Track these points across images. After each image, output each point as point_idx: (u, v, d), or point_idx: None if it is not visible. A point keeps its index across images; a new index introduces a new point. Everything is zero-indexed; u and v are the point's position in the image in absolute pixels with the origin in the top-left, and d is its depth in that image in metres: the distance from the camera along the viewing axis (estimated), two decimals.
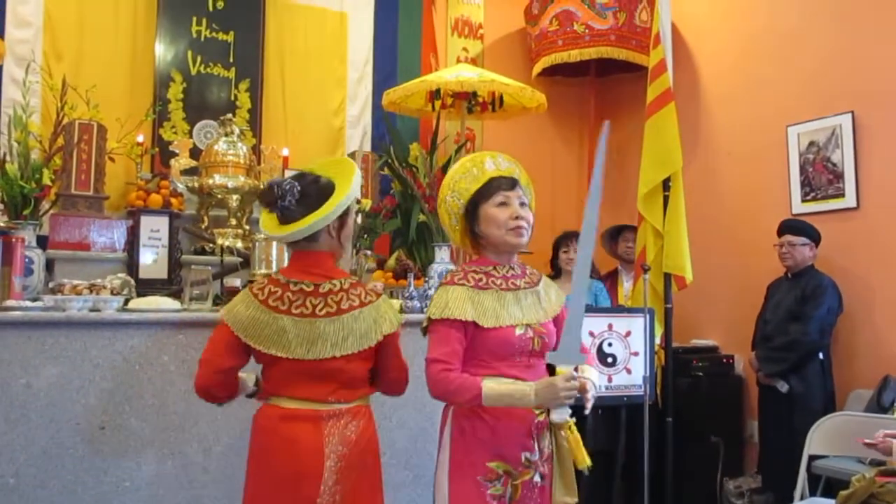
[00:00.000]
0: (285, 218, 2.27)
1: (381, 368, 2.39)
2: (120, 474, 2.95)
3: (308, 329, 2.23)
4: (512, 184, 2.32)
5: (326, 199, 2.27)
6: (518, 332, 2.23)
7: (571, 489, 2.23)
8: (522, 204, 2.30)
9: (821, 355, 4.43)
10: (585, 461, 2.15)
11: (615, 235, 5.36)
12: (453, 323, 2.17)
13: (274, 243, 3.59)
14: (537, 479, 2.24)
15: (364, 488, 2.29)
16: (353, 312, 2.27)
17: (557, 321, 2.38)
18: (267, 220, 2.34)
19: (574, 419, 2.18)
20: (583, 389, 2.20)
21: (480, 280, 2.26)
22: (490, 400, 2.11)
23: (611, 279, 5.31)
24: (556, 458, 2.25)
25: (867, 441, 2.93)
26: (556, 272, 4.79)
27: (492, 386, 2.11)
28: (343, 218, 2.33)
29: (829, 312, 4.41)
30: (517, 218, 2.26)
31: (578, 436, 2.18)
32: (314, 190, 2.29)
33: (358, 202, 3.71)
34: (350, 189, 2.30)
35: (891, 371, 4.31)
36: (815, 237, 4.56)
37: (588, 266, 2.19)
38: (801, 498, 3.70)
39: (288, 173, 4.34)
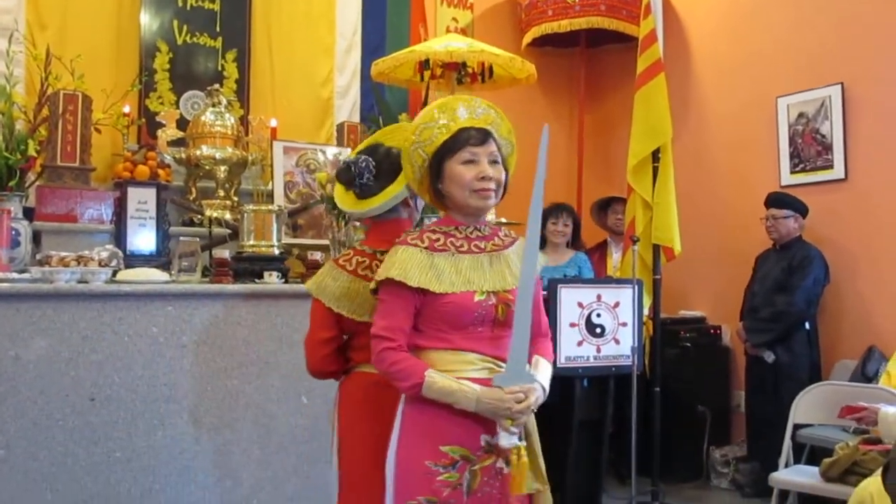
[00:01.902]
0: (364, 194, 2.27)
1: None
2: (111, 445, 2.96)
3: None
4: (483, 137, 2.05)
5: (400, 169, 2.22)
6: (477, 298, 1.99)
7: (540, 476, 2.05)
8: (494, 161, 2.04)
9: (807, 326, 4.47)
10: (529, 488, 1.97)
11: (604, 207, 5.36)
12: (400, 288, 1.98)
13: (262, 216, 3.58)
14: (501, 464, 1.99)
15: None
16: None
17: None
18: (343, 198, 2.33)
19: (524, 443, 1.97)
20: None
21: (437, 241, 2.04)
22: (430, 392, 1.93)
23: (600, 251, 5.33)
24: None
25: (851, 407, 2.97)
26: (542, 243, 4.79)
27: (436, 378, 1.92)
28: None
29: (816, 283, 4.45)
30: (483, 178, 2.01)
31: (527, 461, 1.95)
32: (388, 163, 2.26)
33: None
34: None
35: (876, 342, 4.36)
36: (800, 209, 4.58)
37: (533, 277, 2.00)
38: (786, 466, 3.76)
39: (276, 145, 4.32)
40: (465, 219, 2.10)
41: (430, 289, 1.98)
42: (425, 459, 1.96)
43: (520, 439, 1.96)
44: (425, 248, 2.03)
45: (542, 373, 2.08)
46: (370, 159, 2.26)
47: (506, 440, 1.94)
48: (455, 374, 1.97)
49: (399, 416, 2.02)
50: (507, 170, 2.12)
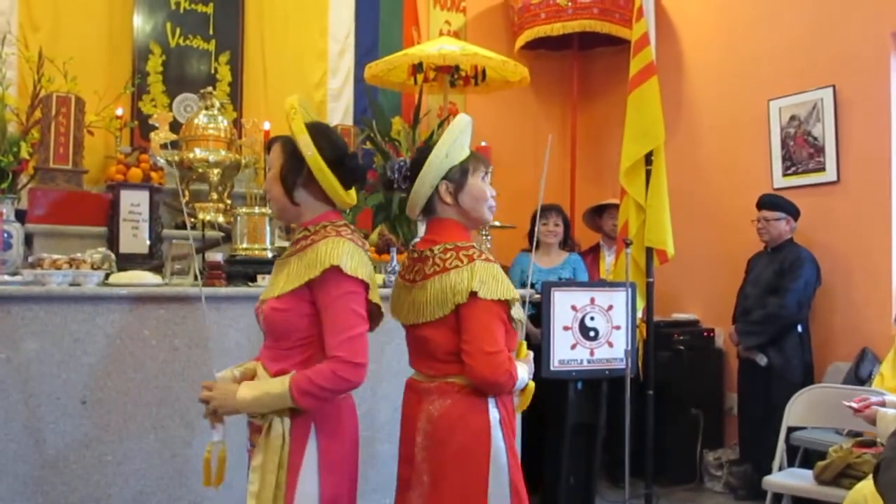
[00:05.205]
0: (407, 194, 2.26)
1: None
2: (102, 449, 2.95)
3: (406, 295, 2.18)
4: (267, 149, 2.08)
5: None
6: (257, 304, 2.10)
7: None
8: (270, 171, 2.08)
9: (799, 328, 4.48)
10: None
11: (599, 211, 5.37)
12: None
13: (255, 219, 3.57)
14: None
15: (451, 477, 2.04)
16: (434, 278, 2.08)
17: (315, 292, 1.95)
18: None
19: (222, 445, 2.07)
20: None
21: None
22: None
23: (593, 253, 5.33)
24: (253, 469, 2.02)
25: (850, 405, 2.97)
26: (535, 244, 4.79)
27: None
28: (457, 180, 2.14)
29: (807, 285, 4.45)
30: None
31: (212, 467, 2.04)
32: (421, 160, 2.15)
33: None
34: (440, 150, 2.10)
35: (868, 344, 4.36)
36: (791, 212, 4.59)
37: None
38: (780, 469, 3.76)
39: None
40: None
41: None
42: None
43: (220, 438, 2.07)
44: None
45: (257, 387, 2.00)
46: (406, 162, 2.19)
47: (215, 433, 2.07)
48: None
49: None
50: (296, 167, 2.02)
